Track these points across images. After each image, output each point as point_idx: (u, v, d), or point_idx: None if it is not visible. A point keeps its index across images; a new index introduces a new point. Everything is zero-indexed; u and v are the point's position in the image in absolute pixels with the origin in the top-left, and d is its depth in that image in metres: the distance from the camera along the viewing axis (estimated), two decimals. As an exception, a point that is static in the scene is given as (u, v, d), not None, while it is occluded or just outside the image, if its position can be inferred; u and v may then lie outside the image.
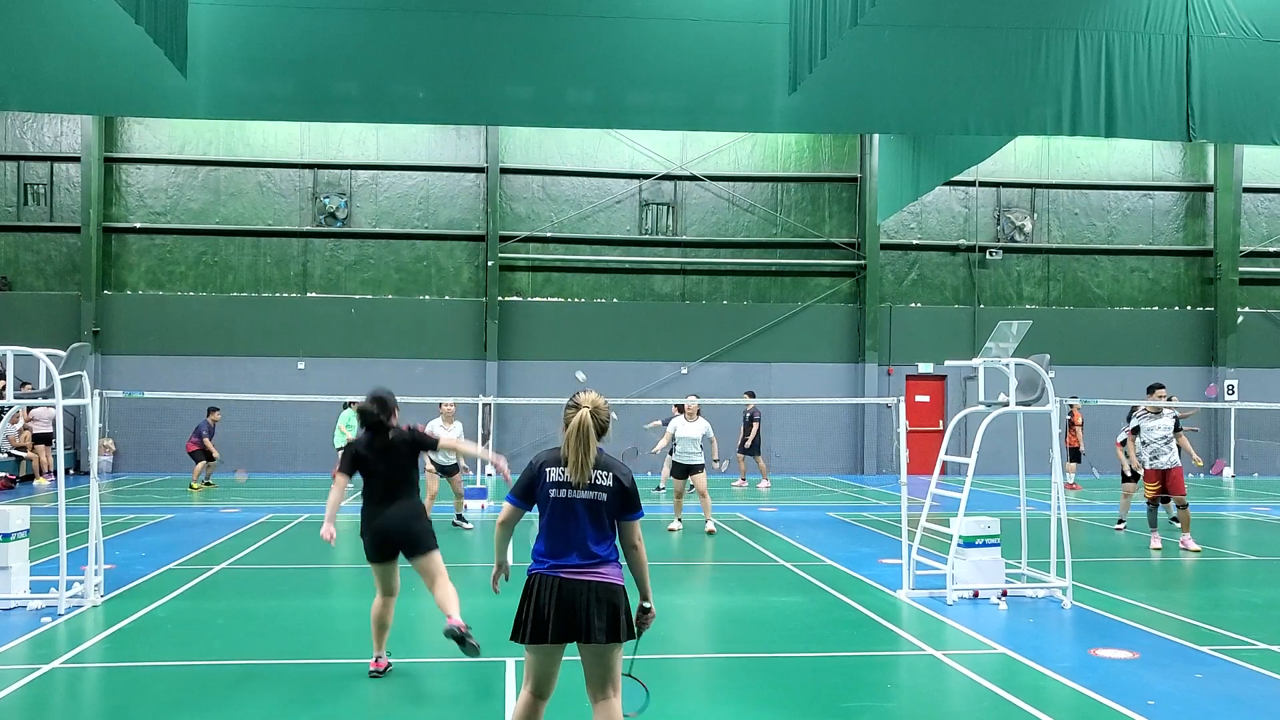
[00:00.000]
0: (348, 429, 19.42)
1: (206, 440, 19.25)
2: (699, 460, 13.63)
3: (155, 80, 12.18)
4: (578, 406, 4.54)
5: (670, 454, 14.47)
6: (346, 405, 19.57)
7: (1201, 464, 14.02)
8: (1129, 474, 13.84)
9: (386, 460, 6.53)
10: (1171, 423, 12.46)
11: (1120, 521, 14.26)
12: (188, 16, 11.81)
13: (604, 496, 4.48)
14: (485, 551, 12.18)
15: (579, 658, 4.51)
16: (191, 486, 19.05)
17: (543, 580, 4.43)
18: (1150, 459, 12.41)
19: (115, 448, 22.34)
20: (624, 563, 4.58)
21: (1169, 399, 12.75)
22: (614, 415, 4.82)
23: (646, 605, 4.62)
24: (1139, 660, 7.15)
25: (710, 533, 13.35)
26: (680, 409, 14.52)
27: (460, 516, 13.86)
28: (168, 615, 8.44)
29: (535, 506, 4.59)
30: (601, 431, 4.55)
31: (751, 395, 20.83)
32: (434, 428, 13.00)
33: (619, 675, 4.51)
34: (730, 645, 7.62)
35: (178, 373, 21.96)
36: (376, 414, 6.58)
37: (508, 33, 12.63)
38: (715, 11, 12.89)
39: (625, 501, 4.52)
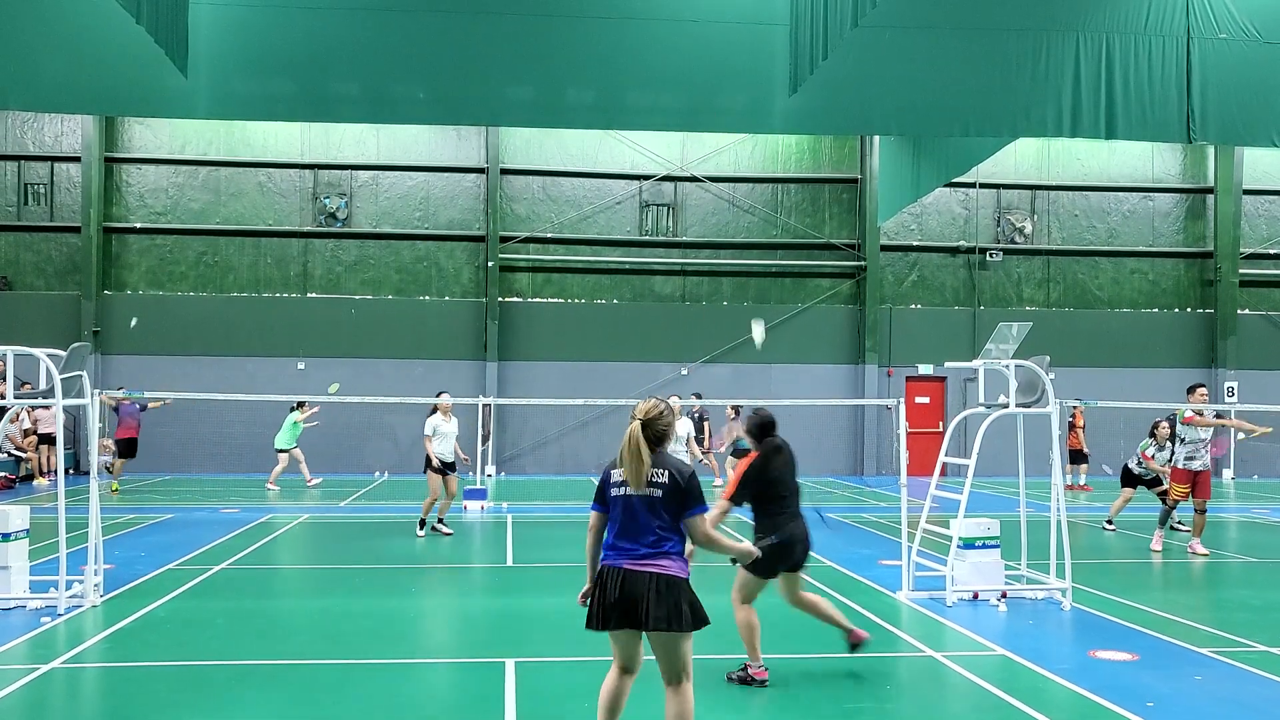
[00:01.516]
0: (292, 428, 19.38)
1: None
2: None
3: (155, 80, 12.19)
4: (633, 418, 4.82)
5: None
6: (295, 407, 19.52)
7: (1262, 431, 13.88)
8: (1157, 480, 13.70)
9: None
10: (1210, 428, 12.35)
11: (1110, 521, 14.25)
12: (188, 16, 11.82)
13: (659, 494, 4.70)
14: (478, 553, 12.18)
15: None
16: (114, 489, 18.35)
17: (609, 571, 4.71)
18: (1185, 459, 12.18)
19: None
20: (687, 556, 4.85)
21: (1208, 399, 12.58)
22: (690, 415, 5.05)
23: (746, 550, 5.15)
24: (1139, 662, 7.14)
25: None
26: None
27: (442, 520, 13.26)
28: (167, 615, 8.43)
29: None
30: (659, 440, 4.81)
31: (699, 396, 20.83)
32: (435, 424, 12.90)
33: (688, 663, 4.75)
34: (730, 646, 7.60)
35: (178, 373, 21.96)
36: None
37: (508, 33, 12.63)
38: (716, 13, 12.89)
39: (684, 498, 4.74)
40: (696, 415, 20.54)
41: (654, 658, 4.76)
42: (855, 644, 6.86)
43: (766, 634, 7.10)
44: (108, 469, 18.68)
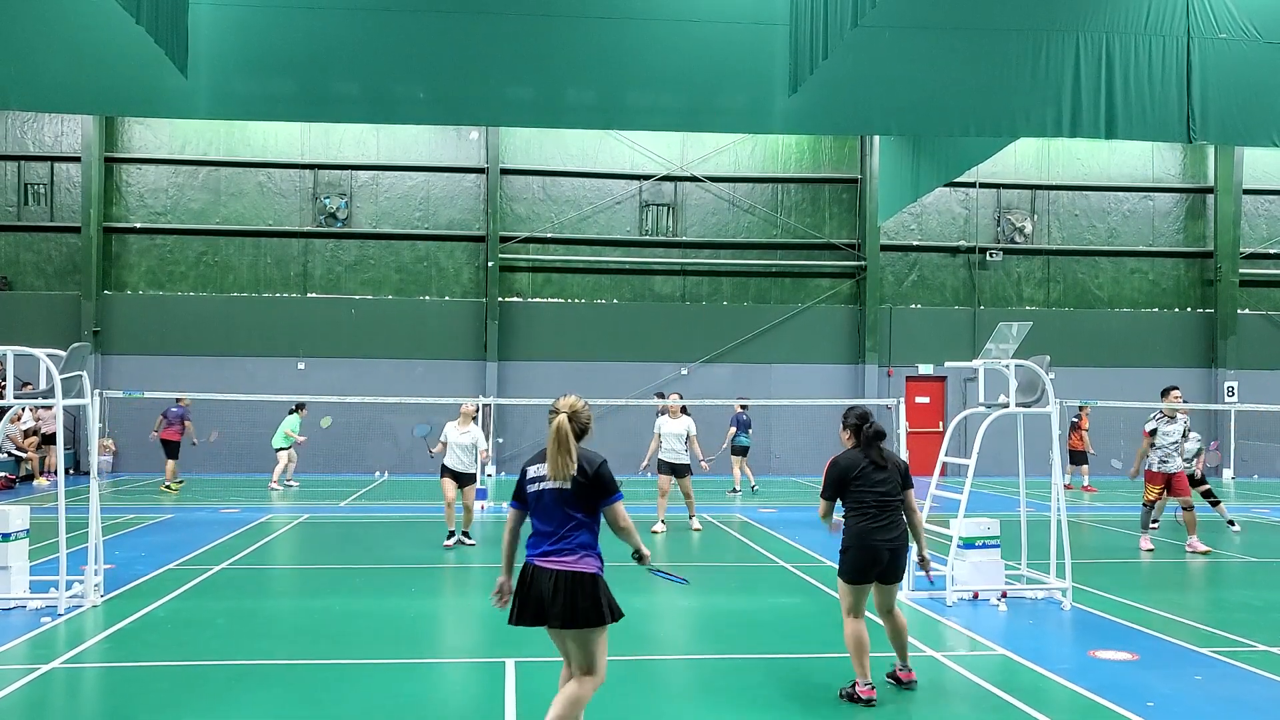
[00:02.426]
0: (292, 432, 19.41)
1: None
2: (685, 460, 13.53)
3: (155, 80, 12.18)
4: (557, 412, 4.88)
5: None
6: (294, 410, 19.54)
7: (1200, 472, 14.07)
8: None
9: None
10: (1182, 427, 12.45)
11: (1154, 521, 14.36)
12: (188, 16, 11.81)
13: (570, 486, 4.77)
14: (479, 553, 12.18)
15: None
16: (169, 487, 18.86)
17: (525, 567, 4.83)
18: (1160, 463, 12.36)
19: (115, 448, 22.34)
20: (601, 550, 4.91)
21: (1183, 401, 12.73)
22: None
23: (641, 550, 5.06)
24: (1139, 662, 7.14)
25: (696, 530, 13.32)
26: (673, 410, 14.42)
27: (465, 533, 12.52)
28: (167, 615, 8.44)
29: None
30: (582, 433, 4.91)
31: (661, 396, 20.79)
32: (446, 431, 12.29)
33: (596, 659, 4.80)
34: (730, 646, 7.61)
35: (178, 373, 21.95)
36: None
37: (508, 33, 12.63)
38: (716, 13, 12.88)
39: (596, 487, 4.82)
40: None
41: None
42: (901, 681, 6.46)
43: (766, 632, 7.15)
44: (170, 487, 18.95)
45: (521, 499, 4.93)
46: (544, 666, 6.88)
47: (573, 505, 4.77)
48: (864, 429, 6.31)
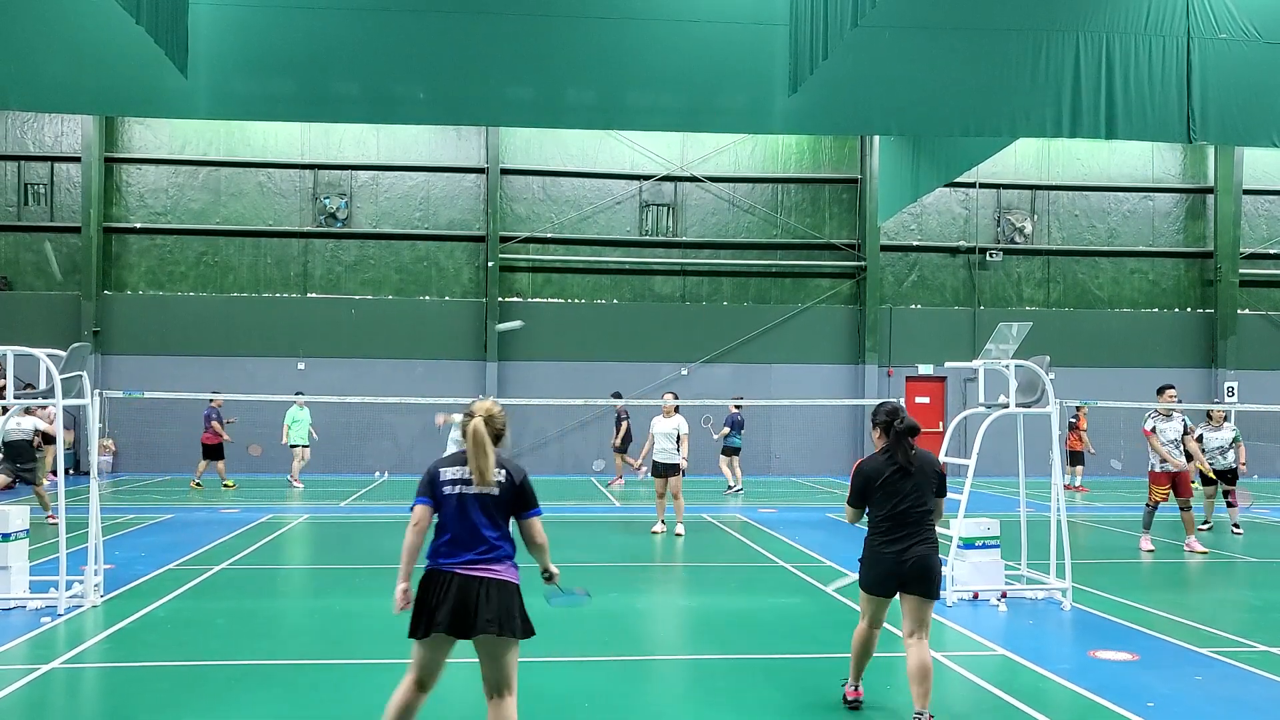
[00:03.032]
0: (293, 425, 19.47)
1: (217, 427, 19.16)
2: (675, 460, 13.44)
3: (155, 80, 12.18)
4: (471, 414, 4.66)
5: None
6: (300, 404, 19.63)
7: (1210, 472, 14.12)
8: (1209, 476, 14.09)
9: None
10: (1181, 426, 12.46)
11: (1206, 522, 14.42)
12: (188, 16, 11.82)
13: (495, 492, 4.61)
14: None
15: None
16: (226, 485, 19.08)
17: (438, 575, 4.58)
18: (1162, 462, 12.33)
19: (115, 448, 22.34)
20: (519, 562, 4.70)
21: (1179, 400, 12.77)
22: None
23: (551, 570, 4.89)
24: (1139, 662, 7.14)
25: (679, 535, 13.30)
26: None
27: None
28: (167, 615, 8.43)
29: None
30: (497, 438, 4.69)
31: (618, 396, 20.82)
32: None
33: (513, 674, 4.64)
34: (730, 646, 7.61)
35: (178, 373, 21.95)
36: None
37: (508, 33, 12.63)
38: (716, 13, 12.88)
39: (519, 498, 4.68)
40: (618, 414, 20.75)
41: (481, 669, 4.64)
42: (849, 700, 6.07)
43: (766, 632, 7.15)
44: (227, 485, 19.21)
45: (433, 497, 4.65)
46: (544, 666, 6.88)
47: (497, 513, 4.62)
48: (893, 424, 5.73)
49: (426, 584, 4.59)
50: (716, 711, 6.05)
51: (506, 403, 21.72)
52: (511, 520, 4.74)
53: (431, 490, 4.65)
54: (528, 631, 4.62)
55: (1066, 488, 20.02)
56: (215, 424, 19.02)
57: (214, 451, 19.17)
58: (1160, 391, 12.75)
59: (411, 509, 4.69)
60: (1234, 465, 14.16)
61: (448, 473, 4.64)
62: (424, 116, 15.38)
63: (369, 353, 23.12)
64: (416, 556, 4.73)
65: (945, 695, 6.48)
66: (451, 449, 12.10)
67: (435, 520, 4.68)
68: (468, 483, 4.60)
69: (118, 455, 22.41)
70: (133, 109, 16.30)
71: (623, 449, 20.77)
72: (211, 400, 19.10)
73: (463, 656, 4.87)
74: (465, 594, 4.49)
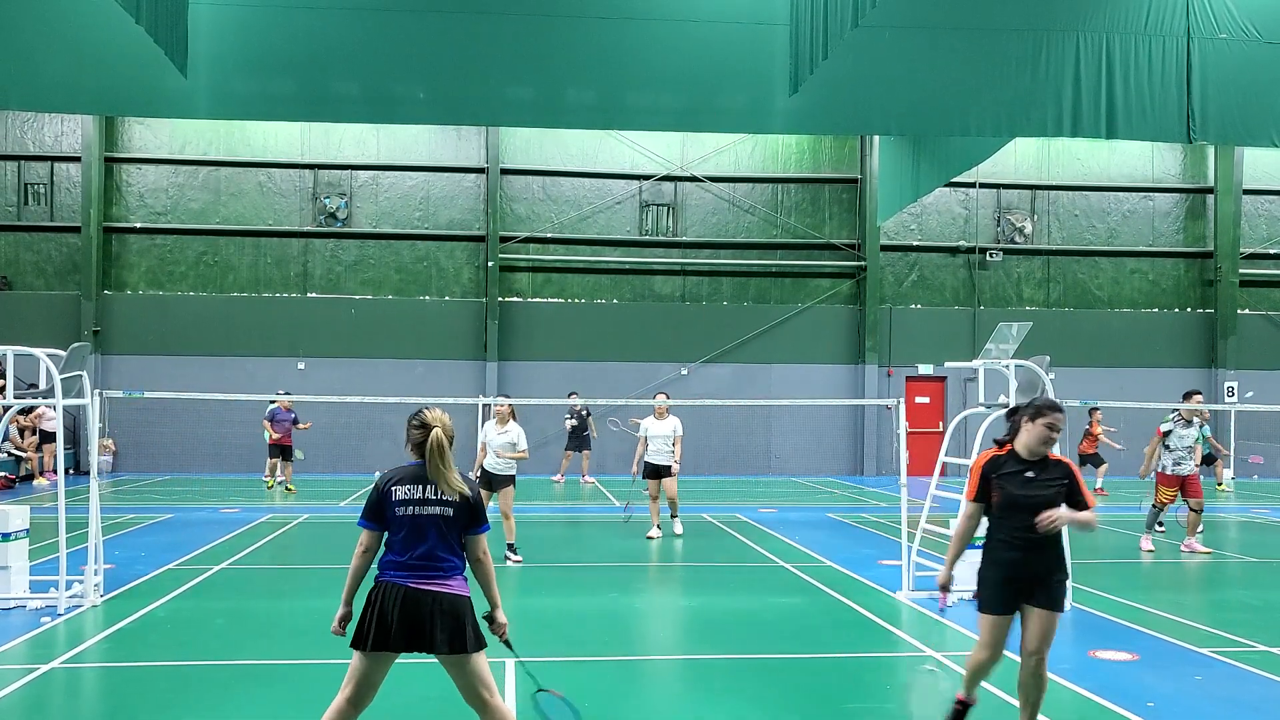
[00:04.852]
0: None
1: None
2: (668, 461, 13.37)
3: (155, 80, 12.19)
4: (427, 426, 4.56)
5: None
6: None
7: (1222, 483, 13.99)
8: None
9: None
10: (1198, 432, 12.44)
11: (1160, 525, 14.37)
12: (188, 16, 11.81)
13: (451, 511, 4.53)
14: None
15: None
16: (289, 487, 18.80)
17: (389, 588, 4.48)
18: (1174, 465, 12.31)
19: (115, 448, 22.34)
20: (469, 575, 4.63)
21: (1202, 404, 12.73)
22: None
23: (497, 615, 4.68)
24: (1139, 662, 7.14)
25: (678, 535, 13.26)
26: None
27: (511, 547, 11.22)
28: (167, 615, 8.43)
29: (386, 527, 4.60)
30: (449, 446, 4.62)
31: (575, 395, 20.77)
32: (486, 431, 11.44)
33: (488, 680, 4.55)
34: (730, 646, 7.61)
35: (177, 373, 21.95)
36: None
37: (508, 33, 12.63)
38: (716, 13, 12.89)
39: (472, 515, 4.60)
40: (571, 413, 20.76)
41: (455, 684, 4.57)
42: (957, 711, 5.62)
43: (766, 632, 7.15)
44: (286, 488, 18.92)
45: (378, 519, 4.55)
46: (544, 666, 6.88)
47: (450, 531, 4.52)
48: (1014, 413, 5.28)
49: (375, 595, 4.51)
50: (716, 711, 6.05)
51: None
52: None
53: (380, 511, 4.55)
54: (479, 644, 4.52)
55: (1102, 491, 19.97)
56: (286, 425, 18.64)
57: (284, 452, 18.86)
58: (1187, 396, 12.65)
59: (360, 527, 4.61)
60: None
61: (400, 491, 4.52)
62: (424, 116, 15.39)
63: (369, 353, 23.12)
64: (361, 581, 4.66)
65: (945, 696, 6.47)
66: (489, 457, 11.24)
67: (385, 537, 4.60)
68: (423, 502, 4.50)
69: (118, 455, 22.41)
70: (133, 109, 16.31)
71: (577, 448, 20.81)
72: (275, 401, 18.49)
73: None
74: (417, 608, 4.42)
